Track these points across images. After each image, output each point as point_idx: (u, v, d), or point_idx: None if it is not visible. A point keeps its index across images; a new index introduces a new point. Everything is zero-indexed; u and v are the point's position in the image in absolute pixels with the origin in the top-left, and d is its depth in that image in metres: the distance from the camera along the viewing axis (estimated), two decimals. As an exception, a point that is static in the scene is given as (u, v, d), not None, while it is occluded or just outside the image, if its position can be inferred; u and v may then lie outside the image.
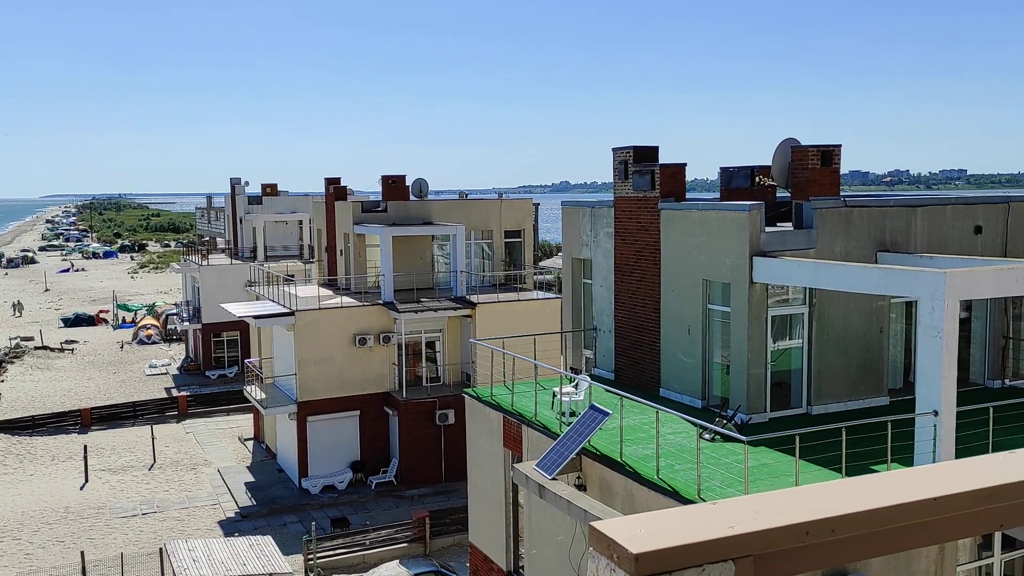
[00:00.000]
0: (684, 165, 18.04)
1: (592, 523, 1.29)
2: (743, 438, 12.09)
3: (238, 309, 34.02)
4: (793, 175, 16.71)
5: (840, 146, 16.61)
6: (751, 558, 1.24)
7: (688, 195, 18.45)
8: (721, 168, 19.76)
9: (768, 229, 15.87)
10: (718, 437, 14.24)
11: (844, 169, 17.14)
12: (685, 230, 17.03)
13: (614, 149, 18.89)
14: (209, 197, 73.70)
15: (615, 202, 18.99)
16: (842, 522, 1.30)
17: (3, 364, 53.07)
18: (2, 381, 49.72)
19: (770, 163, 18.01)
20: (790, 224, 16.65)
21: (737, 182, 19.26)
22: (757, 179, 18.81)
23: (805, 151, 16.48)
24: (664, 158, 18.42)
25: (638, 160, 18.25)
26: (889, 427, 12.41)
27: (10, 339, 60.57)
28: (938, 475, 1.50)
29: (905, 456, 12.71)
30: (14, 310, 72.98)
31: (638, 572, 1.17)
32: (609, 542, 1.23)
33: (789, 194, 17.39)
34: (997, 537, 12.67)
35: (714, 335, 16.84)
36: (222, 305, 37.52)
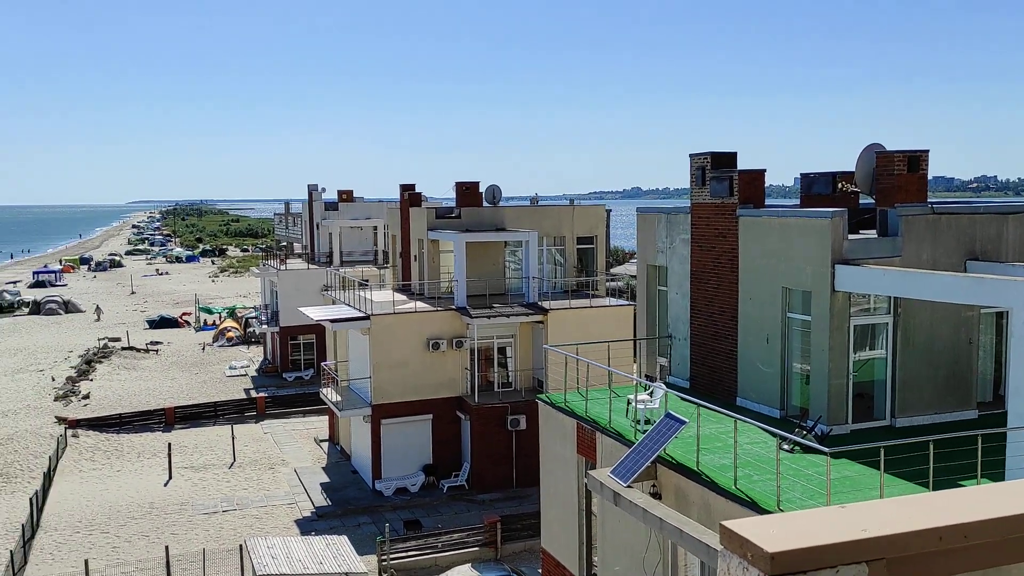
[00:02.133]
0: (763, 171, 17.79)
1: (723, 522, 1.32)
2: (825, 449, 11.84)
3: (315, 313, 34.78)
4: (878, 181, 16.31)
5: (927, 151, 16.15)
6: (884, 561, 1.26)
7: (766, 201, 18.18)
8: (801, 174, 19.42)
9: (851, 236, 15.54)
10: (797, 448, 13.97)
11: (928, 175, 16.66)
12: (764, 237, 16.78)
13: (691, 155, 18.74)
14: (287, 203, 75.54)
15: (692, 208, 18.83)
16: (975, 528, 1.30)
17: (92, 364, 55.28)
18: (92, 380, 51.80)
19: (853, 169, 17.63)
20: (874, 231, 16.26)
21: (818, 188, 18.89)
22: (839, 185, 18.42)
23: (891, 157, 16.07)
24: (741, 164, 18.20)
25: (716, 166, 18.06)
26: (979, 441, 12.00)
27: (99, 340, 63.08)
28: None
29: (995, 472, 12.27)
30: (96, 314, 75.84)
31: (773, 571, 1.19)
32: (742, 541, 1.26)
33: (873, 201, 16.98)
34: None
35: (793, 344, 16.54)
36: (299, 309, 38.40)
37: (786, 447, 13.90)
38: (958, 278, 13.47)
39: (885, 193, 16.11)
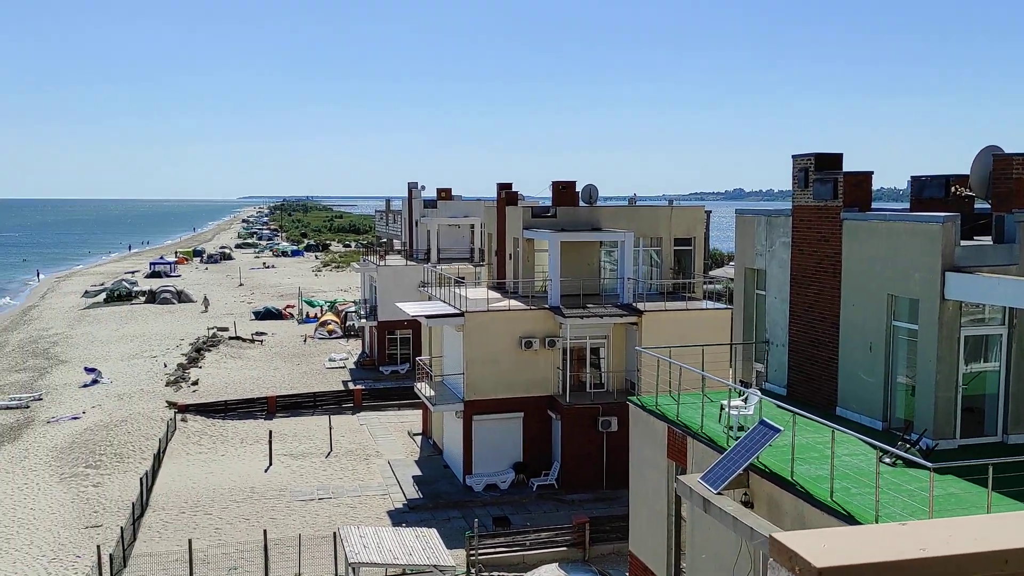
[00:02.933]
0: (870, 173, 17.14)
1: (773, 534, 1.27)
2: (928, 464, 11.33)
3: (411, 308, 35.39)
4: (994, 185, 15.49)
5: (1050, 154, 15.23)
6: (944, 583, 1.18)
7: (873, 205, 17.52)
8: (912, 177, 18.61)
9: (964, 243, 14.81)
10: (900, 462, 13.41)
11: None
12: (870, 242, 16.17)
13: (794, 156, 18.22)
14: (388, 200, 77.06)
15: (793, 211, 18.31)
16: (1049, 554, 1.21)
17: (202, 352, 57.75)
18: (200, 367, 54.11)
19: (967, 172, 16.79)
20: (989, 238, 15.45)
21: (930, 192, 18.07)
22: (953, 189, 17.57)
23: (1009, 160, 15.24)
24: (848, 166, 17.58)
25: (820, 167, 17.51)
26: (1100, 463, 11.26)
27: (208, 329, 65.84)
28: None
29: (1118, 497, 11.49)
30: (203, 305, 78.81)
31: (821, 587, 1.14)
32: (791, 554, 1.21)
33: (989, 206, 16.14)
34: None
35: (898, 354, 15.88)
36: (397, 304, 39.16)
37: (887, 460, 13.37)
38: (1081, 289, 12.66)
39: (1002, 198, 15.28)
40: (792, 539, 1.25)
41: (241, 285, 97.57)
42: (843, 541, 1.25)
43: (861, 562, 1.18)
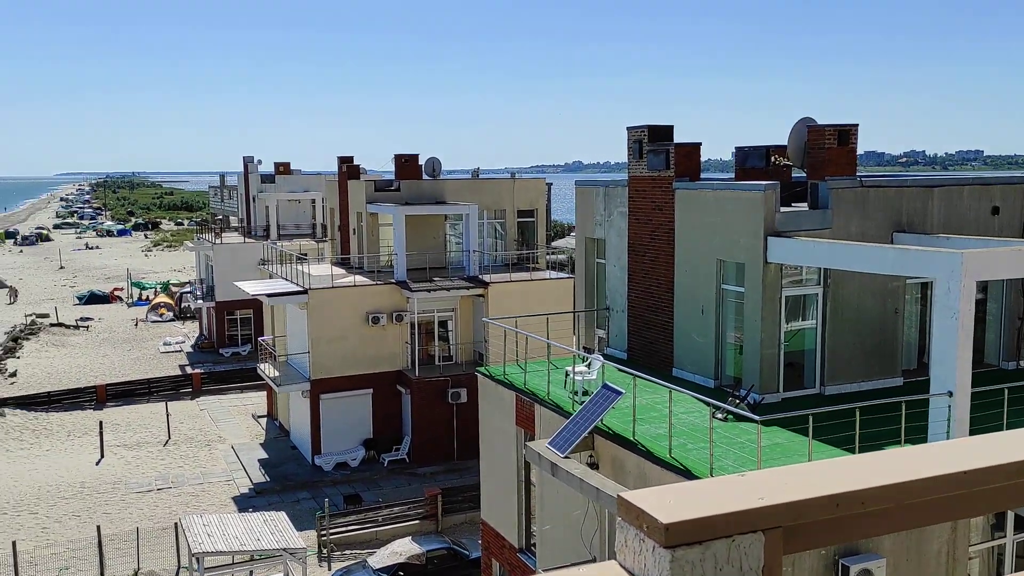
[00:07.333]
0: (699, 144, 17.94)
1: (620, 493, 1.29)
2: (756, 417, 12.08)
3: (252, 287, 34.17)
4: (809, 155, 16.59)
5: (857, 126, 16.47)
6: (780, 529, 1.25)
7: (702, 175, 18.37)
8: (736, 148, 19.64)
9: (783, 209, 15.80)
10: (731, 417, 14.24)
11: (859, 149, 17.02)
12: (699, 210, 16.96)
13: (629, 128, 18.80)
14: (222, 175, 73.73)
15: (629, 181, 18.93)
16: (872, 495, 1.30)
17: (19, 341, 53.54)
18: (18, 357, 50.19)
19: (786, 143, 17.90)
20: (805, 204, 16.56)
21: (752, 162, 19.14)
22: (772, 159, 18.69)
23: (822, 131, 16.35)
24: (679, 138, 18.32)
25: (653, 139, 18.15)
26: (903, 408, 12.38)
27: (25, 316, 61.05)
28: (964, 450, 1.49)
29: (919, 437, 12.68)
30: (9, 296, 71.91)
31: (668, 542, 1.17)
32: (638, 512, 1.23)
33: (805, 174, 17.28)
34: (1010, 517, 12.66)
35: (727, 315, 16.81)
36: (236, 283, 37.68)
37: (719, 416, 14.15)
38: (885, 250, 13.81)
39: (816, 166, 16.39)
40: (638, 497, 1.28)
41: (62, 268, 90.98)
42: (687, 496, 1.29)
43: (705, 515, 1.22)
